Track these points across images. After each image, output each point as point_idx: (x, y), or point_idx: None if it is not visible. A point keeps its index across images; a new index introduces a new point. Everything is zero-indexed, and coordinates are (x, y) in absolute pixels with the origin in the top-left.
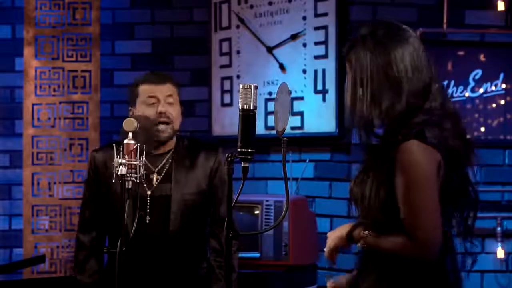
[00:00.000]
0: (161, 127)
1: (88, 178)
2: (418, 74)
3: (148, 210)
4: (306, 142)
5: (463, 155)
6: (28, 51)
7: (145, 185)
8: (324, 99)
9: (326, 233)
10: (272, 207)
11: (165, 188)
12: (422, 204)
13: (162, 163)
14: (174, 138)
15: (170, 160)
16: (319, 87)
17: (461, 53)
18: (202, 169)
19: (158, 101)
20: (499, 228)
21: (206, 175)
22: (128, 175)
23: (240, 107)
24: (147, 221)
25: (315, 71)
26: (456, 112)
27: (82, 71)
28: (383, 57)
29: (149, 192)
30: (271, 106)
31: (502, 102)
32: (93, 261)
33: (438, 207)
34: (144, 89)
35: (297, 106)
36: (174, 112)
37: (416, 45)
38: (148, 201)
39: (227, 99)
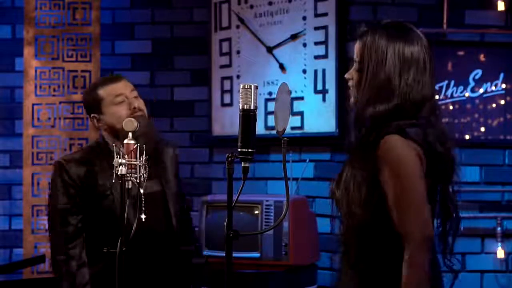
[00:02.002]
0: None
1: (66, 189)
2: (419, 87)
3: (143, 209)
4: (306, 142)
5: (446, 166)
6: (28, 51)
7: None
8: (324, 99)
9: (326, 233)
10: (272, 207)
11: (151, 184)
12: (411, 200)
13: None
14: None
15: None
16: (319, 87)
17: (461, 53)
18: (169, 162)
19: (127, 97)
20: (499, 228)
21: (173, 167)
22: (128, 175)
23: (240, 107)
24: (143, 220)
25: (315, 71)
26: (444, 131)
27: (82, 71)
28: (396, 58)
29: (142, 191)
30: (271, 106)
31: (502, 102)
32: (85, 269)
33: (426, 200)
34: (108, 91)
35: (297, 106)
36: (142, 105)
37: (423, 56)
38: (143, 199)
39: (227, 99)
